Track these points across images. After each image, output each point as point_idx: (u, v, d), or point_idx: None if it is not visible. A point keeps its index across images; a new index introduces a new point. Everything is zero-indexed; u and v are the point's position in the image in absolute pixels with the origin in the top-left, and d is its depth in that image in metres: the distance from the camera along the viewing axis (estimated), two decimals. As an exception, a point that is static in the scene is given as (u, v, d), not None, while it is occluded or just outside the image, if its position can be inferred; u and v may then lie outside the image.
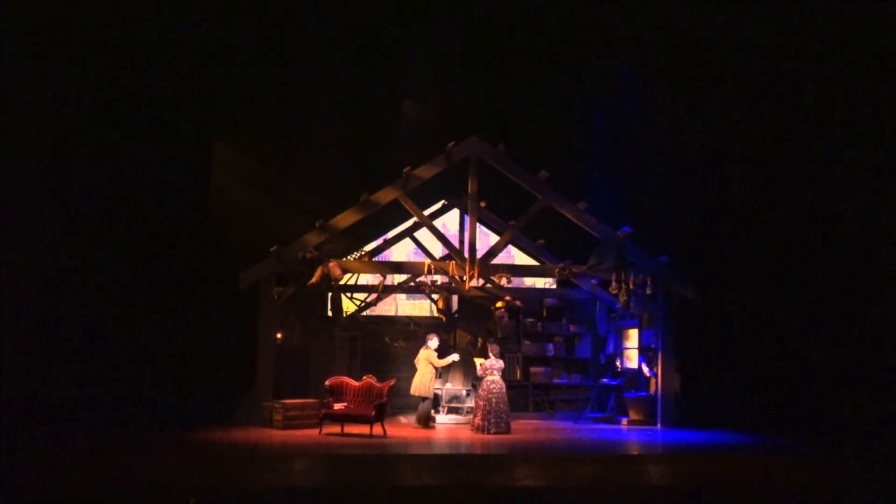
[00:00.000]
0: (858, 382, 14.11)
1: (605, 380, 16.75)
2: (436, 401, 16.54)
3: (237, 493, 9.58)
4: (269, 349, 15.12)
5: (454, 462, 11.73)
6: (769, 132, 15.77)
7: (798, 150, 15.38)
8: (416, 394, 14.98)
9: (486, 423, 14.27)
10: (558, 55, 17.65)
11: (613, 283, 15.28)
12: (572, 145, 18.06)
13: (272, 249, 15.02)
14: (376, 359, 17.61)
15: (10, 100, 12.94)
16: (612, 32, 17.06)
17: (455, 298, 17.65)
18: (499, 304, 17.09)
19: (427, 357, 15.00)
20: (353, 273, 16.67)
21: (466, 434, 14.29)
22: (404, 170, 15.34)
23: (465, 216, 17.19)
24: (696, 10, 16.29)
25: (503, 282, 15.72)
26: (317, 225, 15.20)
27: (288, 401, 14.60)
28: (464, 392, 16.18)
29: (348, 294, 17.90)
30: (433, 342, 15.23)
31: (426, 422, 14.88)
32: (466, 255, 15.67)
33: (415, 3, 16.95)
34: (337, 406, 13.78)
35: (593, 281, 16.56)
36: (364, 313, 18.15)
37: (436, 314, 17.92)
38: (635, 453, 12.61)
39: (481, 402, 14.48)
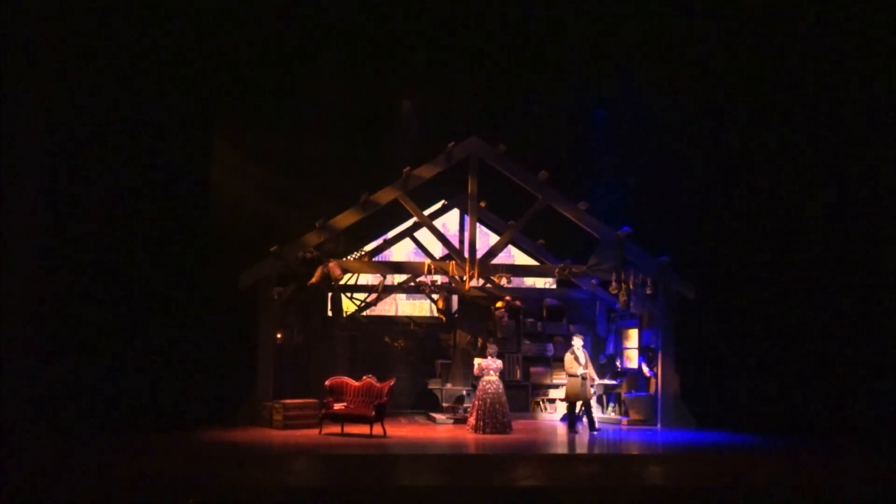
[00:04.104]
0: (859, 382, 14.11)
1: (605, 380, 16.74)
2: (435, 400, 16.58)
3: (237, 493, 9.58)
4: (269, 349, 15.13)
5: (454, 462, 11.71)
6: (769, 131, 15.76)
7: (798, 150, 15.36)
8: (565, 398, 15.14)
9: (481, 423, 14.27)
10: (558, 55, 17.63)
11: (613, 283, 15.28)
12: (572, 145, 18.05)
13: (272, 249, 15.02)
14: (376, 359, 17.61)
15: (9, 98, 12.94)
16: (613, 32, 17.05)
17: (455, 298, 17.66)
18: (499, 304, 17.09)
19: (565, 362, 14.99)
20: (353, 273, 16.66)
21: (466, 434, 14.29)
22: (404, 170, 15.35)
23: (465, 216, 17.20)
24: (697, 12, 16.29)
25: (503, 282, 15.73)
26: (317, 225, 15.20)
27: (288, 401, 14.60)
28: (464, 392, 16.19)
29: (348, 294, 17.90)
30: (576, 341, 15.01)
31: (571, 425, 14.72)
32: (466, 255, 15.67)
33: (416, 3, 16.93)
34: (337, 406, 13.78)
35: (593, 281, 16.56)
36: (364, 313, 18.15)
37: (436, 314, 17.93)
38: (635, 453, 12.61)
39: (477, 402, 14.50)
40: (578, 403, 14.80)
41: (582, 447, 13.19)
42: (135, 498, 9.33)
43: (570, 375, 14.83)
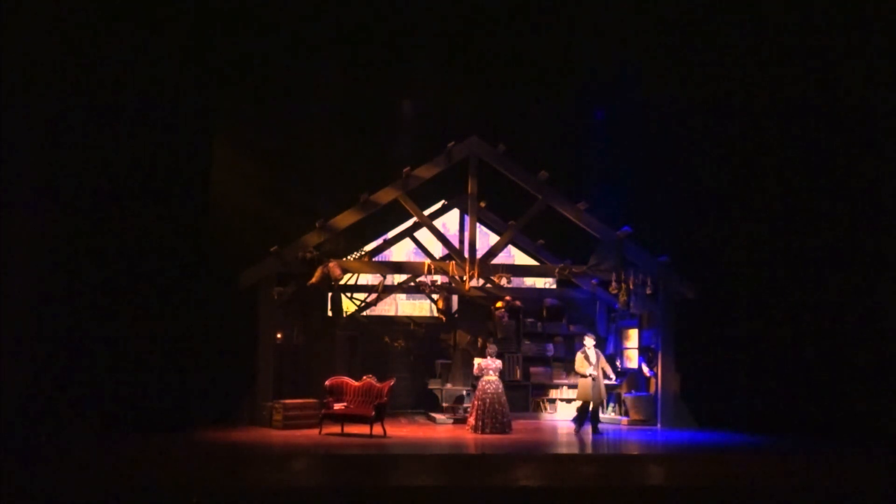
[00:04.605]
0: (859, 382, 14.10)
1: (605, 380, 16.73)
2: (435, 400, 16.59)
3: (237, 493, 9.58)
4: (269, 349, 15.13)
5: (454, 462, 11.72)
6: (769, 131, 15.74)
7: (797, 150, 15.36)
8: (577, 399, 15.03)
9: (480, 423, 14.27)
10: (558, 54, 17.62)
11: (613, 283, 15.28)
12: (572, 145, 18.04)
13: (272, 249, 15.03)
14: (376, 359, 17.61)
15: (8, 97, 12.93)
16: (613, 31, 17.04)
17: (455, 298, 17.66)
18: (499, 304, 17.10)
19: (576, 362, 14.87)
20: (353, 273, 16.67)
21: (466, 434, 14.29)
22: (404, 170, 15.36)
23: (465, 216, 17.20)
24: (697, 8, 16.28)
25: (503, 282, 15.73)
26: (317, 225, 15.21)
27: (288, 401, 14.61)
28: (464, 392, 16.19)
29: (348, 294, 17.90)
30: (588, 341, 14.90)
31: (578, 424, 14.63)
32: (466, 255, 15.68)
33: (416, 4, 16.92)
34: (337, 406, 13.79)
35: (593, 281, 16.56)
36: (364, 313, 18.15)
37: (436, 314, 17.94)
38: (635, 453, 12.62)
39: (476, 402, 14.50)
40: (591, 404, 14.69)
41: (582, 447, 13.19)
42: (135, 498, 9.33)
43: (581, 376, 14.76)
